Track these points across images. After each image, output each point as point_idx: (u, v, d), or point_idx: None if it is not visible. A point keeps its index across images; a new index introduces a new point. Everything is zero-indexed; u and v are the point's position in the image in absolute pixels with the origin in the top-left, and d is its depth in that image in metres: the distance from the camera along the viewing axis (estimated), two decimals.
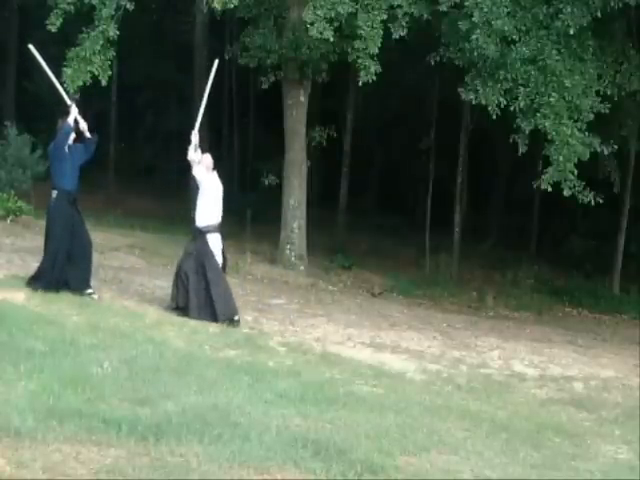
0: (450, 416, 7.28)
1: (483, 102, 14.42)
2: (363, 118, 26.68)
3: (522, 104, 14.20)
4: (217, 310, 10.23)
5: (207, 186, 10.51)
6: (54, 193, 10.14)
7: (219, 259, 10.48)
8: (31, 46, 10.68)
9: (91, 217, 17.88)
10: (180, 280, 10.37)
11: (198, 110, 11.22)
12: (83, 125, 10.37)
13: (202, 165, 10.56)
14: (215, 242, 10.43)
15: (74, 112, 10.30)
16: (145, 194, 24.74)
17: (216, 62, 10.94)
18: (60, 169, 10.20)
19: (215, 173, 10.63)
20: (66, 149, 10.23)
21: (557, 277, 21.00)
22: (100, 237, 15.98)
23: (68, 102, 10.50)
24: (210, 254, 10.33)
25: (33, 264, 11.91)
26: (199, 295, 10.27)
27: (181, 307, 10.36)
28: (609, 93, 15.00)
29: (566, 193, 14.38)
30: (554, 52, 14.13)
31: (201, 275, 10.29)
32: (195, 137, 10.79)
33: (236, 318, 10.36)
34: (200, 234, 10.40)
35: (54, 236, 10.12)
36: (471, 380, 9.20)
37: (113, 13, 14.70)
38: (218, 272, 10.42)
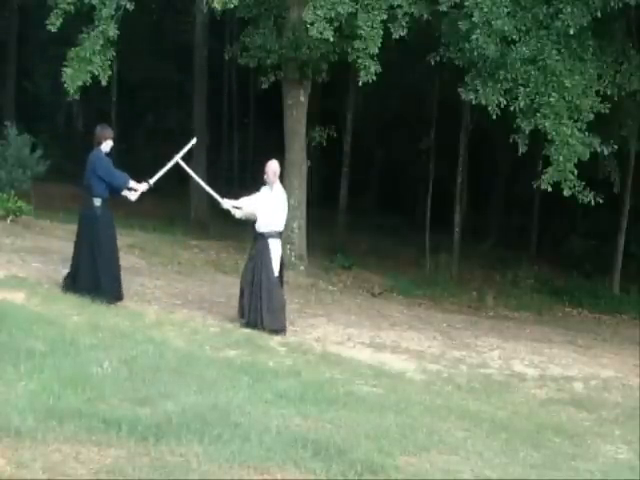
0: (450, 416, 7.28)
1: (483, 102, 14.42)
2: (363, 118, 26.69)
3: (522, 104, 14.19)
4: (264, 319, 10.23)
5: (276, 192, 10.52)
6: (97, 201, 10.08)
7: (278, 264, 10.45)
8: (179, 159, 10.63)
9: None
10: (255, 296, 10.32)
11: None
12: (133, 196, 10.32)
13: (269, 171, 10.53)
14: (276, 248, 10.43)
15: (143, 188, 10.32)
16: (145, 194, 24.67)
17: (193, 140, 10.83)
18: (106, 178, 10.16)
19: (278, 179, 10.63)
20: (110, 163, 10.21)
21: (557, 277, 21.00)
22: None
23: (224, 205, 10.57)
24: (269, 260, 10.32)
25: (33, 264, 11.94)
26: (252, 300, 10.30)
27: (251, 322, 10.31)
28: (609, 93, 15.00)
29: (566, 193, 14.37)
30: (554, 52, 14.12)
31: (257, 280, 10.29)
32: (226, 204, 10.68)
33: (279, 330, 10.32)
34: (262, 238, 10.40)
35: (108, 244, 10.24)
36: (471, 380, 9.20)
37: (113, 13, 14.69)
38: (274, 281, 10.38)
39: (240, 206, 10.62)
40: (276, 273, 10.41)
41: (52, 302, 9.56)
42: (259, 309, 10.23)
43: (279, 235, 10.51)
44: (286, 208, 10.60)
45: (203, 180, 11.59)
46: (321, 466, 5.30)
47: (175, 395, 6.44)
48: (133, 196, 10.35)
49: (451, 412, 7.42)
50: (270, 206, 10.40)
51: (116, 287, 10.30)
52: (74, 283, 10.18)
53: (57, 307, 9.38)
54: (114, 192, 10.23)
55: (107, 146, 10.31)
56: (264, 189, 10.65)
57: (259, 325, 10.22)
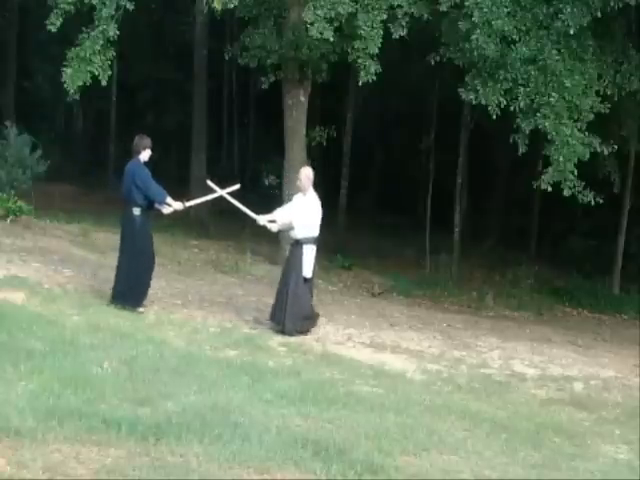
0: (450, 416, 7.28)
1: (483, 102, 14.41)
2: (363, 118, 26.69)
3: (522, 104, 14.19)
4: (286, 322, 10.27)
5: (310, 198, 10.54)
6: (136, 210, 10.12)
7: (311, 269, 10.47)
8: (224, 193, 10.72)
9: (91, 217, 17.97)
10: (283, 297, 10.40)
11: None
12: (166, 210, 10.36)
13: (303, 177, 10.55)
14: (311, 253, 10.44)
15: (177, 207, 10.33)
16: None
17: (237, 185, 10.89)
18: (143, 190, 10.18)
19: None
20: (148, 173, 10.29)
21: (557, 277, 20.99)
22: (100, 237, 16.02)
23: (260, 222, 10.64)
24: (300, 266, 10.34)
25: (33, 264, 11.94)
26: (279, 300, 10.38)
27: (275, 320, 10.39)
28: (609, 93, 14.99)
29: (566, 193, 14.37)
30: (554, 52, 14.12)
31: (286, 282, 10.36)
32: (262, 220, 10.70)
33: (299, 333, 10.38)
34: (298, 245, 10.43)
35: (145, 251, 10.30)
36: (471, 380, 9.20)
37: (113, 13, 14.68)
38: (301, 286, 10.40)
39: (275, 219, 10.66)
40: (308, 275, 10.42)
41: (52, 302, 9.57)
42: (283, 310, 10.29)
43: (314, 241, 10.52)
44: (320, 213, 10.57)
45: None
46: (321, 466, 5.30)
47: (175, 395, 6.44)
48: (166, 210, 10.39)
49: (451, 412, 7.42)
50: (305, 213, 10.44)
51: (142, 294, 10.39)
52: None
53: (57, 307, 9.39)
54: (151, 203, 10.29)
55: (146, 155, 10.37)
56: (297, 196, 10.71)
57: (280, 325, 10.29)
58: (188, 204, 10.59)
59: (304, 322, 10.48)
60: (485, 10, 13.53)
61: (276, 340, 9.84)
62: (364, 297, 15.34)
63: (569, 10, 13.73)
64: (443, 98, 21.46)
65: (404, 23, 14.43)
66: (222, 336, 9.49)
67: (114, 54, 15.18)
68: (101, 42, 14.60)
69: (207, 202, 11.31)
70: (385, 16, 14.13)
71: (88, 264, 13.07)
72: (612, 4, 13.78)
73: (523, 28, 14.04)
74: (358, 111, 25.38)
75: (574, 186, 14.34)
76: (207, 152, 23.32)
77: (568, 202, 15.79)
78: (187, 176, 23.94)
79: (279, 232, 16.38)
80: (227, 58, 19.20)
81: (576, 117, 14.22)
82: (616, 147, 15.54)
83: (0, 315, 8.18)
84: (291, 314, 10.28)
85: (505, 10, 13.70)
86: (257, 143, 29.39)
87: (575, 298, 18.71)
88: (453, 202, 20.46)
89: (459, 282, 18.55)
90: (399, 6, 14.33)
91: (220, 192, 10.69)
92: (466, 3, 13.70)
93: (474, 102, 14.81)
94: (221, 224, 19.30)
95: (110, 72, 15.21)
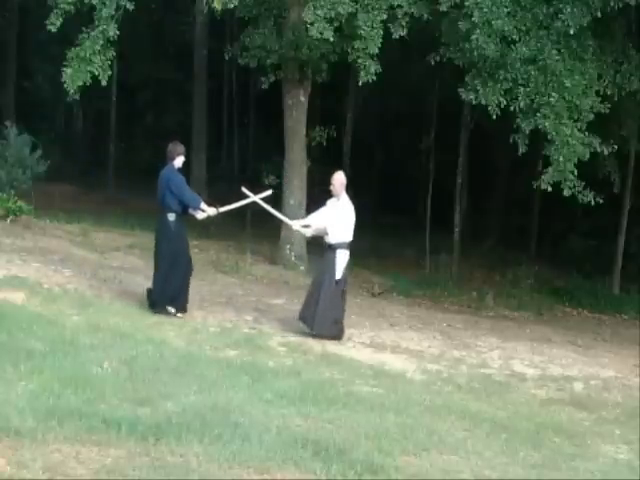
0: (450, 416, 7.28)
1: (483, 102, 14.42)
2: (363, 118, 26.69)
3: (522, 104, 14.19)
4: (315, 323, 10.29)
5: (343, 203, 10.56)
6: (171, 216, 10.17)
7: (342, 273, 10.46)
8: (257, 199, 10.78)
9: (91, 217, 17.97)
10: (313, 299, 10.42)
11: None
12: (200, 215, 10.41)
13: (336, 183, 10.56)
14: (344, 257, 10.46)
15: (210, 213, 10.40)
16: (145, 194, 24.69)
17: (269, 191, 10.93)
18: (178, 196, 10.23)
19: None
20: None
21: (557, 277, 20.99)
22: (100, 237, 16.03)
23: (294, 227, 10.88)
24: (334, 270, 10.35)
25: (33, 264, 11.94)
26: (310, 300, 10.41)
27: (305, 319, 10.42)
28: (609, 93, 15.00)
29: (566, 193, 14.38)
30: (554, 52, 14.12)
31: (318, 284, 10.39)
32: (296, 226, 10.88)
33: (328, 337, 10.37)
34: (331, 249, 10.43)
35: (183, 256, 10.39)
36: (471, 380, 9.19)
37: (113, 13, 14.68)
38: (334, 289, 10.40)
39: (309, 224, 10.68)
40: (339, 276, 10.40)
41: (52, 302, 9.56)
42: (313, 313, 10.31)
43: (348, 246, 10.54)
44: (353, 217, 10.59)
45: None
46: (321, 466, 5.30)
47: (175, 395, 6.44)
48: (200, 215, 10.46)
49: (451, 412, 7.42)
50: (339, 218, 10.45)
51: (184, 297, 10.43)
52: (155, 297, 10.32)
53: (57, 307, 9.39)
54: (185, 208, 10.33)
55: (179, 162, 10.45)
56: (330, 202, 10.70)
57: (309, 326, 10.33)
58: (221, 209, 10.63)
59: (334, 326, 10.46)
60: (485, 10, 13.53)
61: (276, 340, 9.84)
62: (364, 297, 15.33)
63: (569, 10, 13.73)
64: (443, 98, 21.46)
65: (404, 23, 14.44)
66: (222, 336, 9.49)
67: (114, 54, 15.18)
68: (101, 42, 14.60)
69: (208, 201, 11.30)
70: (385, 16, 14.13)
71: (88, 264, 13.07)
72: (612, 4, 13.79)
73: (523, 28, 14.04)
74: (358, 111, 25.40)
75: (574, 186, 14.35)
76: (207, 152, 23.33)
77: (568, 202, 15.80)
78: (187, 176, 23.90)
79: (282, 234, 16.49)
80: (227, 58, 19.21)
81: (576, 117, 14.22)
82: (616, 147, 15.54)
83: (0, 315, 8.18)
84: (322, 317, 10.30)
85: (505, 10, 13.70)
86: (257, 143, 29.37)
87: (575, 298, 18.71)
88: (453, 202, 20.46)
89: (459, 282, 18.54)
90: (399, 6, 14.33)
91: (253, 198, 10.77)
92: (466, 3, 13.71)
93: (474, 102, 14.82)
94: (221, 224, 19.30)
95: (110, 72, 15.22)
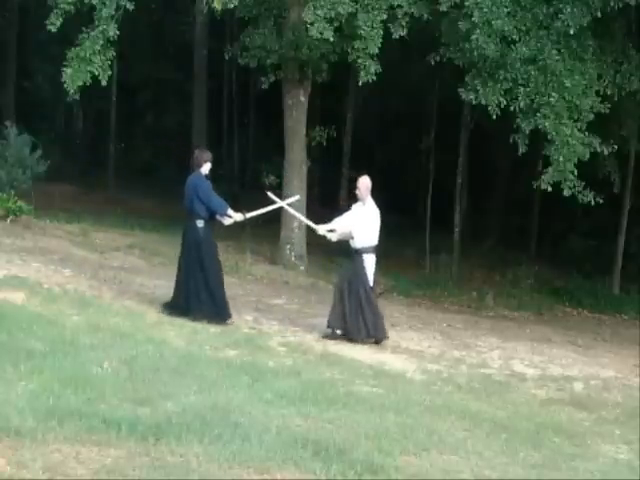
0: (450, 416, 7.28)
1: (483, 102, 14.42)
2: (363, 118, 26.68)
3: (522, 104, 14.20)
4: (370, 330, 10.37)
5: (368, 207, 10.57)
6: (200, 222, 10.18)
7: (372, 277, 10.53)
8: (270, 194, 10.91)
9: (91, 217, 17.98)
10: (339, 304, 10.42)
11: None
12: (227, 221, 10.41)
13: (362, 187, 10.59)
14: (371, 262, 10.49)
15: (237, 218, 10.41)
16: (145, 194, 24.75)
17: (297, 196, 10.96)
18: (205, 202, 10.24)
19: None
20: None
21: (557, 277, 20.99)
22: (100, 237, 16.04)
23: (319, 232, 10.77)
24: (365, 275, 10.41)
25: (33, 264, 11.94)
26: (356, 316, 10.38)
27: (339, 333, 10.42)
28: (609, 93, 15.00)
29: (566, 193, 14.38)
30: (554, 52, 14.13)
31: (355, 293, 10.39)
32: (321, 230, 10.82)
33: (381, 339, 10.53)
34: (358, 254, 10.46)
35: (213, 264, 10.37)
36: (471, 380, 9.19)
37: (113, 13, 14.69)
38: (370, 293, 10.49)
39: (334, 229, 10.70)
40: (371, 283, 10.49)
41: (52, 302, 9.56)
42: (361, 320, 10.35)
43: (374, 250, 10.55)
44: (379, 222, 10.59)
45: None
46: (321, 466, 5.30)
47: (175, 395, 6.43)
48: (227, 221, 10.47)
49: (451, 412, 7.42)
50: (365, 222, 10.47)
51: (224, 306, 10.44)
52: (182, 305, 10.29)
53: (57, 307, 9.38)
54: (213, 214, 10.35)
55: (206, 169, 10.45)
56: (356, 206, 10.73)
57: (362, 335, 10.36)
58: (248, 215, 10.63)
59: (381, 321, 10.58)
60: (485, 10, 13.54)
61: (276, 340, 9.84)
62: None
63: (569, 10, 13.74)
64: (443, 98, 21.46)
65: (404, 23, 14.44)
66: (222, 336, 9.49)
67: (114, 54, 15.19)
68: (101, 42, 14.61)
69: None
70: (385, 16, 14.14)
71: (88, 264, 13.08)
72: (612, 4, 13.79)
73: (523, 28, 14.05)
74: (358, 111, 25.38)
75: (574, 186, 14.35)
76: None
77: (568, 202, 15.81)
78: (187, 176, 23.90)
79: (282, 234, 16.49)
80: (227, 58, 19.22)
81: (576, 117, 14.23)
82: (616, 147, 15.55)
83: (0, 315, 8.18)
84: (374, 323, 10.40)
85: (505, 10, 13.71)
86: (257, 143, 29.36)
87: (575, 298, 18.71)
88: (453, 202, 20.46)
89: (459, 282, 18.55)
90: (399, 6, 14.34)
91: (280, 203, 10.82)
92: (466, 3, 13.71)
93: (474, 102, 14.82)
94: (221, 224, 19.30)
95: (110, 72, 15.23)
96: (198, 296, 10.25)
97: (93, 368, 6.83)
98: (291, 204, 11.40)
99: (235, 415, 6.06)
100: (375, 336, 10.43)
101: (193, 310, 10.18)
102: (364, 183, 10.64)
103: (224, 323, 10.21)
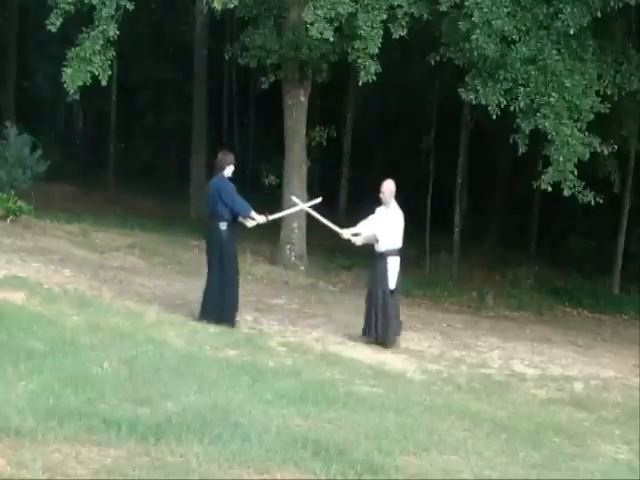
0: (450, 416, 7.28)
1: (483, 102, 14.43)
2: (363, 118, 26.68)
3: (522, 104, 14.20)
4: (389, 335, 10.46)
5: (392, 210, 10.62)
6: (223, 225, 10.16)
7: (395, 279, 10.54)
8: (306, 207, 11.14)
9: (91, 217, 17.98)
10: (373, 310, 10.49)
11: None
12: (249, 223, 10.40)
13: (386, 191, 10.63)
14: (395, 265, 10.53)
15: (260, 220, 10.39)
16: (145, 194, 24.76)
17: (319, 199, 11.08)
18: (228, 204, 10.22)
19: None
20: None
21: (557, 277, 20.98)
22: (100, 237, 16.03)
23: (344, 236, 10.78)
24: (386, 278, 10.44)
25: (33, 264, 11.94)
26: (371, 317, 10.50)
27: (380, 339, 10.47)
28: (609, 93, 15.00)
29: (566, 193, 14.38)
30: (554, 52, 14.13)
31: (373, 297, 10.49)
32: (346, 234, 10.85)
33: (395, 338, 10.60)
34: (382, 257, 10.50)
35: (232, 268, 10.35)
36: (471, 380, 9.19)
37: (113, 13, 14.69)
38: (387, 297, 10.50)
39: (359, 232, 10.73)
40: (392, 286, 10.50)
41: (52, 302, 9.55)
42: (377, 325, 10.42)
43: (398, 252, 10.61)
44: (402, 225, 10.66)
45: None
46: (321, 466, 5.30)
47: (175, 395, 6.43)
48: (249, 224, 10.45)
49: (451, 412, 7.42)
50: (389, 225, 10.51)
51: (233, 312, 10.38)
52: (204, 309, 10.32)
53: (57, 307, 9.37)
54: (235, 216, 10.34)
55: (229, 171, 10.40)
56: (379, 209, 10.75)
57: (372, 338, 10.43)
58: (271, 217, 10.64)
59: (399, 330, 10.66)
60: (485, 10, 13.55)
61: (276, 340, 9.84)
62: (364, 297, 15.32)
63: (569, 10, 13.74)
64: (443, 98, 21.46)
65: (404, 23, 14.45)
66: (222, 336, 9.48)
67: (114, 54, 15.20)
68: (101, 42, 14.62)
69: None
70: (385, 16, 14.14)
71: (88, 264, 13.07)
72: (612, 4, 13.80)
73: (523, 28, 14.06)
74: (358, 111, 25.39)
75: (574, 186, 14.36)
76: (207, 152, 23.32)
77: (568, 202, 15.81)
78: (187, 176, 23.94)
79: (282, 234, 16.48)
80: (227, 58, 19.23)
81: (576, 117, 14.24)
82: (616, 147, 15.55)
83: (0, 315, 8.18)
84: (386, 326, 10.42)
85: (505, 10, 13.71)
86: (257, 143, 29.38)
87: (575, 298, 18.71)
88: (453, 202, 20.46)
89: (459, 282, 18.55)
90: (399, 6, 14.34)
91: (302, 206, 10.82)
92: (466, 3, 13.72)
93: (474, 102, 14.83)
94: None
95: (110, 72, 15.23)
96: (216, 298, 10.23)
97: (93, 368, 6.83)
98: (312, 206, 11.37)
99: (235, 415, 6.06)
100: (383, 342, 10.43)
101: (207, 311, 10.19)
102: (388, 187, 10.68)
103: (231, 325, 10.19)
